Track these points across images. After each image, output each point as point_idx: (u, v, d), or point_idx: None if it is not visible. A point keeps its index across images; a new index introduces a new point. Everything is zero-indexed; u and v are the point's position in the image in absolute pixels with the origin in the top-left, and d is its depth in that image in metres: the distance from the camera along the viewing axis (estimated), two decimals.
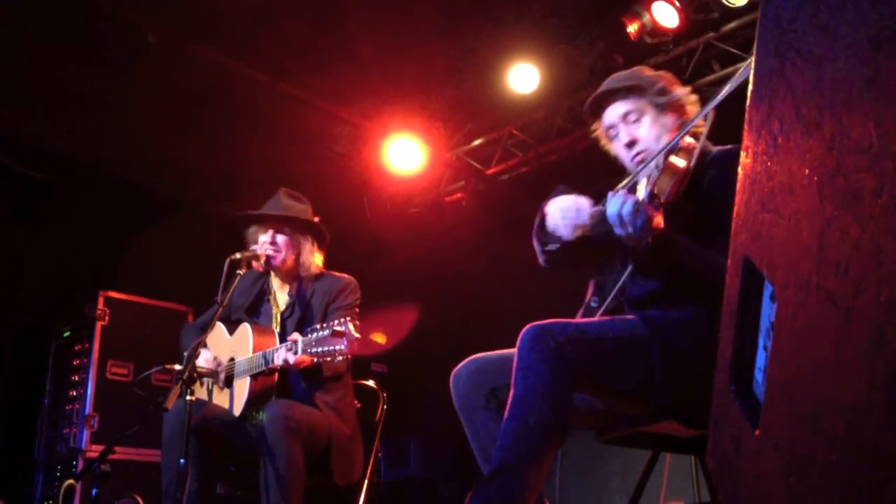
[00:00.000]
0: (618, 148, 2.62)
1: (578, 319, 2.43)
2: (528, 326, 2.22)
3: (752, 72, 1.35)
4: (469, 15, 5.14)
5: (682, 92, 2.63)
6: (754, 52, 1.36)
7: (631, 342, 2.26)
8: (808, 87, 1.12)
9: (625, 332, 2.28)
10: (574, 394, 2.19)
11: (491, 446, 2.32)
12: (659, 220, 2.17)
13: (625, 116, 2.58)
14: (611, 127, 2.62)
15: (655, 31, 4.89)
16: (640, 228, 2.11)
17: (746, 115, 1.36)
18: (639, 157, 2.54)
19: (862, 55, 0.97)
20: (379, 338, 5.43)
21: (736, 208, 1.47)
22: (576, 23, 5.16)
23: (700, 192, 2.39)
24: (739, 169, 1.42)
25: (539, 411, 2.09)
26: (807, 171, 1.12)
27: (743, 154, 1.39)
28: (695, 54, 5.13)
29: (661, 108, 2.56)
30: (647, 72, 2.68)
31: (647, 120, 2.56)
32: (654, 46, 5.08)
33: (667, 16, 4.83)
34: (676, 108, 2.58)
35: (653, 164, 2.40)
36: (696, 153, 2.35)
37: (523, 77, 5.42)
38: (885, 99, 0.92)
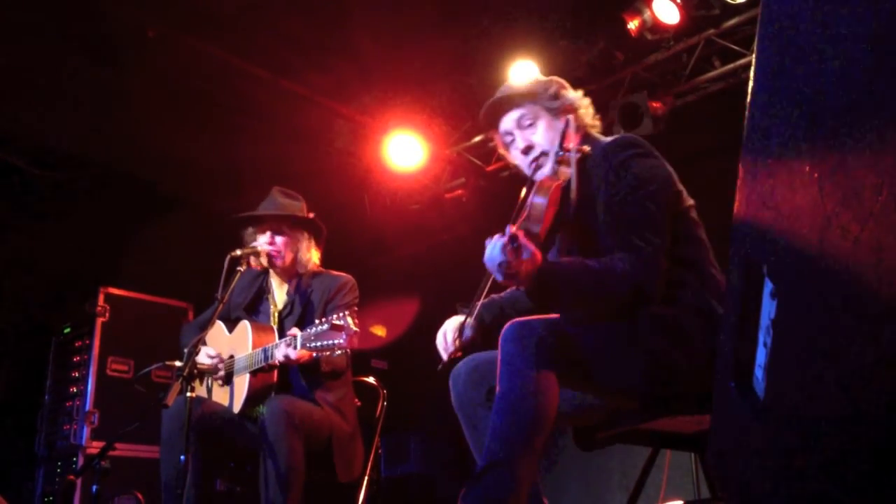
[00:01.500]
0: (515, 155, 2.64)
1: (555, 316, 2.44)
2: (509, 323, 2.24)
3: (753, 68, 1.35)
4: (469, 11, 5.14)
5: (574, 95, 2.65)
6: (755, 48, 1.36)
7: (609, 332, 2.27)
8: (810, 83, 1.12)
9: (599, 325, 2.29)
10: (559, 386, 2.20)
11: None
12: (524, 261, 2.15)
13: (519, 122, 2.59)
14: (507, 133, 2.64)
15: (656, 27, 4.88)
16: (504, 275, 2.16)
17: (747, 112, 1.36)
18: (535, 163, 2.57)
19: (863, 52, 0.96)
20: (379, 330, 5.42)
21: (736, 205, 1.47)
22: (576, 19, 5.15)
23: (591, 197, 2.41)
24: (740, 165, 1.42)
25: (525, 405, 2.11)
26: (807, 168, 1.11)
27: (743, 151, 1.39)
28: (695, 51, 5.13)
29: (555, 112, 2.58)
30: (538, 78, 2.70)
31: (541, 124, 2.58)
32: (655, 43, 5.08)
33: (667, 12, 4.82)
34: (569, 111, 2.59)
35: (548, 168, 2.48)
36: (570, 165, 2.42)
37: (523, 73, 5.41)
38: (885, 95, 0.92)
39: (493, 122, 2.67)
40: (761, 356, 1.38)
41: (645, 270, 2.24)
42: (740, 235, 1.45)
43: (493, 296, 2.78)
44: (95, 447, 5.15)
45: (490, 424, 2.15)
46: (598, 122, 2.69)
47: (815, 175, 1.09)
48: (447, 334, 2.64)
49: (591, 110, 2.66)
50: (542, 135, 2.56)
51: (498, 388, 2.17)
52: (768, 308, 1.32)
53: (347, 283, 3.76)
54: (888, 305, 0.92)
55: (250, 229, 3.82)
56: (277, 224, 3.75)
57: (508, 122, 2.62)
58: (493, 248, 2.18)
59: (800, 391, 1.19)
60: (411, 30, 5.20)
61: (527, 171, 2.61)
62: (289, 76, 5.50)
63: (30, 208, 5.85)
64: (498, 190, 6.27)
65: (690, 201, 2.49)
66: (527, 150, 2.57)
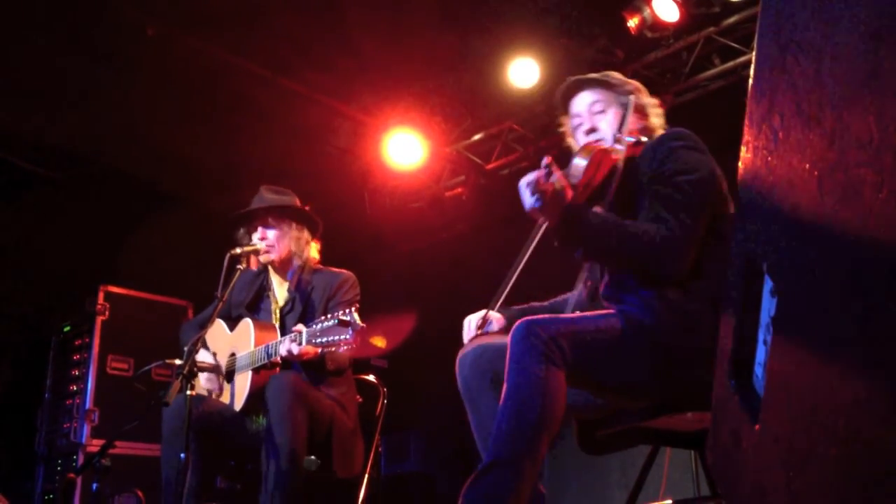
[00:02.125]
0: (580, 139, 2.71)
1: (568, 315, 2.45)
2: (519, 321, 2.25)
3: (752, 66, 1.35)
4: (469, 9, 5.13)
5: (649, 101, 2.74)
6: (755, 46, 1.36)
7: (614, 336, 2.29)
8: (809, 81, 1.11)
9: (609, 326, 2.31)
10: (567, 388, 2.21)
11: (492, 424, 2.36)
12: (558, 194, 2.27)
13: (591, 106, 2.68)
14: (576, 115, 2.73)
15: (656, 25, 4.88)
16: (532, 194, 2.26)
17: (747, 110, 1.36)
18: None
19: (863, 49, 0.96)
20: (379, 341, 5.46)
21: (736, 201, 1.47)
22: (576, 17, 5.15)
23: (635, 182, 2.48)
24: (739, 163, 1.42)
25: (532, 405, 2.11)
26: (807, 165, 1.11)
27: (743, 149, 1.39)
28: (695, 49, 5.13)
29: (626, 108, 2.65)
30: (618, 75, 2.78)
31: (611, 112, 2.65)
32: (655, 41, 5.07)
33: (667, 10, 4.82)
34: (640, 111, 2.68)
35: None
36: (623, 145, 2.51)
37: (523, 72, 5.41)
38: (885, 93, 0.92)
39: (565, 105, 2.77)
40: (761, 354, 1.38)
41: (667, 243, 2.27)
42: (741, 232, 1.45)
43: (534, 303, 2.83)
44: (95, 445, 5.15)
45: (495, 422, 2.15)
46: (661, 123, 2.75)
47: (815, 173, 1.09)
48: (471, 322, 2.68)
49: (660, 120, 2.74)
50: (609, 122, 2.64)
51: (505, 386, 2.17)
52: (768, 306, 1.32)
53: (349, 280, 3.76)
54: (889, 302, 0.93)
55: (241, 230, 3.82)
56: (264, 217, 3.75)
57: (581, 104, 2.72)
58: (529, 175, 2.29)
59: (800, 389, 1.19)
60: (411, 28, 5.19)
61: None
62: (288, 74, 5.49)
63: (29, 206, 5.84)
64: (498, 188, 6.27)
65: (728, 201, 2.52)
66: (590, 132, 2.66)
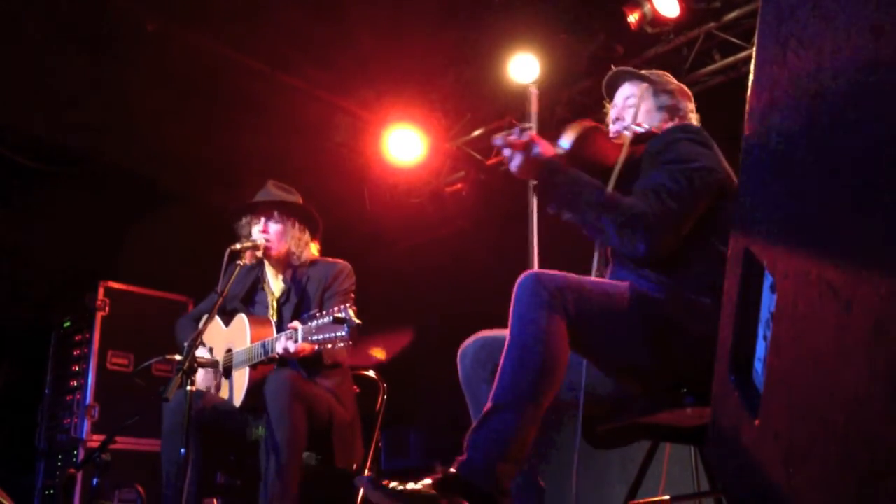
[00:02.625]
0: (610, 126, 2.82)
1: (582, 277, 2.46)
2: (525, 273, 2.26)
3: (753, 62, 1.35)
4: (469, 5, 5.12)
5: (687, 106, 2.81)
6: (755, 41, 1.35)
7: (621, 303, 2.30)
8: (810, 76, 1.11)
9: (617, 292, 2.31)
10: (566, 379, 2.21)
11: None
12: (529, 147, 2.36)
13: (626, 98, 2.78)
14: (613, 106, 2.84)
15: (656, 20, 4.87)
16: (508, 154, 2.37)
17: (747, 105, 1.36)
18: (612, 134, 2.73)
19: (863, 43, 0.96)
20: (378, 353, 5.51)
21: (735, 197, 1.47)
22: (576, 12, 5.14)
23: (638, 168, 2.51)
24: (740, 158, 1.41)
25: (534, 350, 2.13)
26: (807, 160, 1.11)
27: (743, 143, 1.39)
28: (695, 44, 5.12)
29: (659, 107, 2.73)
30: (670, 78, 2.88)
31: (642, 108, 2.72)
32: (655, 36, 5.06)
33: (667, 5, 4.81)
34: (672, 113, 2.75)
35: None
36: (630, 132, 2.57)
37: (523, 67, 5.40)
38: (886, 88, 0.92)
39: (610, 94, 2.87)
40: (761, 349, 1.38)
41: (645, 221, 2.28)
42: (740, 227, 1.45)
43: None
44: (96, 441, 5.16)
45: (499, 370, 2.17)
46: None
47: (816, 168, 1.09)
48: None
49: (695, 119, 2.81)
50: (632, 114, 2.72)
51: (509, 335, 2.19)
52: (768, 301, 1.32)
53: (344, 270, 3.76)
54: (889, 300, 0.93)
55: (243, 220, 3.81)
56: (269, 211, 3.75)
57: (620, 96, 2.83)
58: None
59: (799, 385, 1.19)
60: (411, 23, 5.18)
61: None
62: (288, 70, 5.48)
63: (29, 203, 5.84)
64: (498, 184, 6.26)
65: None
66: (616, 121, 2.78)
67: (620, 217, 2.29)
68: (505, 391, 2.13)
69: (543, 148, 2.38)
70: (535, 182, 2.48)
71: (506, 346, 2.19)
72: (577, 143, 2.48)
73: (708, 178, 2.40)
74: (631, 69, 2.83)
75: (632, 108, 2.71)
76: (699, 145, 2.46)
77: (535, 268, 2.62)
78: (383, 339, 5.78)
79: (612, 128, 2.75)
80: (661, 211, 2.29)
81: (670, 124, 2.69)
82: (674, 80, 2.87)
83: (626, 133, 2.56)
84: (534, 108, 2.80)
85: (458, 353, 2.56)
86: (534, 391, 2.12)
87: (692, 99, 2.85)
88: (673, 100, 2.76)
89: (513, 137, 2.36)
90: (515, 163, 2.39)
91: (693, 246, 2.37)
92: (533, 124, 2.61)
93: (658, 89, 2.76)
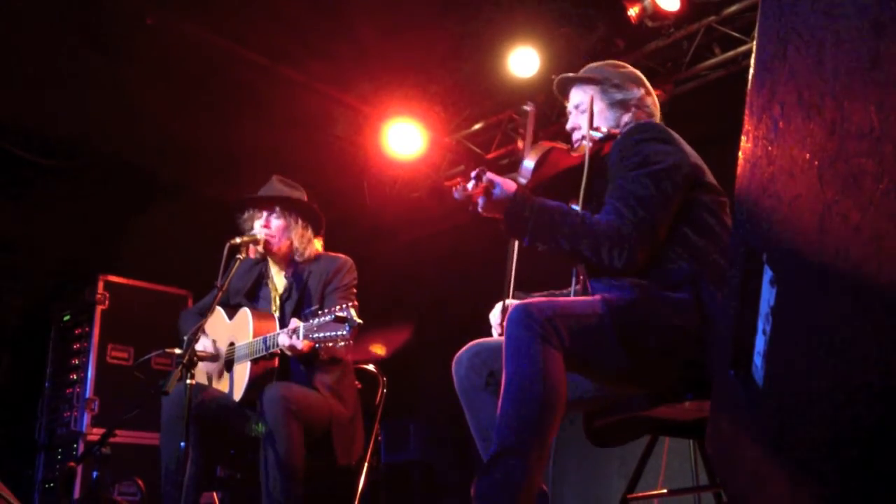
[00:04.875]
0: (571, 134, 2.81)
1: (563, 298, 2.46)
2: (513, 306, 2.25)
3: (753, 55, 1.35)
4: None
5: (638, 93, 2.73)
6: (756, 35, 1.35)
7: (597, 319, 2.28)
8: (810, 70, 1.11)
9: (593, 310, 2.30)
10: (565, 372, 2.21)
11: (490, 427, 2.36)
12: (489, 192, 2.38)
13: (577, 106, 2.75)
14: (569, 113, 2.81)
15: (656, 14, 4.86)
16: (460, 197, 2.40)
17: (747, 99, 1.35)
18: (576, 143, 2.74)
19: (864, 39, 0.96)
20: (379, 349, 5.53)
21: (736, 193, 1.47)
22: (576, 6, 5.13)
23: (602, 178, 2.51)
24: (740, 153, 1.41)
25: (534, 388, 2.11)
26: (808, 155, 1.11)
27: (744, 138, 1.39)
28: (696, 38, 5.11)
29: (611, 104, 2.70)
30: (618, 68, 2.80)
31: (595, 111, 2.68)
32: (655, 30, 5.05)
33: None
34: (625, 107, 2.70)
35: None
36: (590, 141, 2.56)
37: (524, 61, 5.39)
38: (886, 83, 0.92)
39: (563, 93, 2.85)
40: (760, 344, 1.38)
41: (619, 237, 2.29)
42: (740, 223, 1.45)
43: (554, 290, 2.83)
44: (96, 434, 5.16)
45: (499, 411, 2.14)
46: (653, 113, 2.76)
47: (815, 163, 1.09)
48: (495, 318, 2.70)
49: (650, 111, 2.75)
50: (590, 122, 2.67)
51: (505, 373, 2.16)
52: (768, 296, 1.32)
53: (346, 265, 3.76)
54: (888, 293, 0.93)
55: (245, 214, 3.81)
56: (271, 206, 3.75)
57: (570, 102, 2.80)
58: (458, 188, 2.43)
59: (798, 379, 1.19)
60: (411, 17, 5.17)
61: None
62: (288, 63, 5.48)
63: (28, 196, 5.84)
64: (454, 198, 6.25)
65: (713, 191, 2.52)
66: (573, 130, 2.76)
67: (595, 240, 2.30)
68: (509, 433, 2.09)
69: (505, 185, 2.39)
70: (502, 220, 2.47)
71: (503, 384, 2.15)
72: (539, 171, 2.51)
73: (676, 176, 2.39)
74: (572, 75, 2.79)
75: (584, 114, 2.68)
76: (660, 143, 2.45)
77: (511, 280, 2.65)
78: (383, 336, 5.79)
79: (574, 137, 2.75)
80: (634, 223, 2.30)
81: (626, 117, 2.68)
82: (620, 67, 2.80)
83: (586, 143, 2.56)
84: (530, 127, 2.85)
85: (453, 362, 2.55)
86: (537, 429, 2.09)
87: (642, 81, 2.78)
88: (622, 92, 2.70)
89: (471, 186, 2.38)
90: (481, 205, 2.42)
91: (667, 241, 2.37)
92: (529, 141, 2.64)
93: (605, 87, 2.71)
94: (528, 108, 2.94)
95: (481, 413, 2.44)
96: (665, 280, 2.32)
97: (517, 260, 2.65)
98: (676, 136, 2.52)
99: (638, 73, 2.81)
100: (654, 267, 2.34)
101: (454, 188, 2.43)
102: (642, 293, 2.29)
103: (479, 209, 2.42)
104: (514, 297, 2.67)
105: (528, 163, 2.52)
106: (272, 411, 3.24)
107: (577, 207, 2.48)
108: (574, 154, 2.60)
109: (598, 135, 2.59)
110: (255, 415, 3.44)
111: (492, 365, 2.43)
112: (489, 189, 2.38)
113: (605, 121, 2.67)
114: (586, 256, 2.34)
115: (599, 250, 2.30)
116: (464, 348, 2.55)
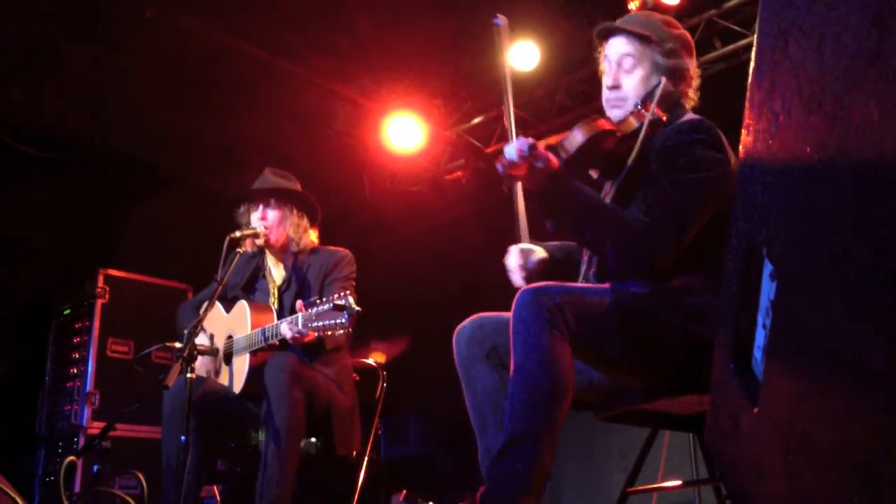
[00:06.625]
0: (604, 82, 2.60)
1: (572, 284, 2.43)
2: (522, 289, 2.22)
3: (754, 49, 1.35)
4: None
5: (690, 63, 2.59)
6: (756, 28, 1.35)
7: (608, 308, 2.26)
8: (811, 64, 1.11)
9: (602, 299, 2.28)
10: (573, 358, 2.20)
11: (486, 401, 2.38)
12: (531, 166, 2.27)
13: (621, 58, 2.54)
14: (607, 59, 2.60)
15: (657, 8, 4.85)
16: (503, 171, 2.30)
17: (748, 93, 1.35)
18: (613, 104, 2.56)
19: (865, 32, 0.96)
20: (378, 356, 5.57)
21: (736, 186, 1.47)
22: (577, 0, 5.13)
23: (645, 165, 2.40)
24: (740, 147, 1.41)
25: (544, 379, 2.10)
26: (808, 149, 1.11)
27: (744, 132, 1.38)
28: (696, 31, 5.10)
29: (659, 70, 2.52)
30: (672, 27, 2.60)
31: (639, 73, 2.52)
32: None
33: None
34: (675, 75, 2.54)
35: (620, 113, 2.48)
36: (644, 122, 2.38)
37: (524, 55, 5.39)
38: (888, 76, 0.92)
39: (602, 38, 2.62)
40: (760, 338, 1.38)
41: (650, 241, 2.25)
42: (741, 216, 1.45)
43: (568, 242, 2.74)
44: (96, 428, 5.18)
45: (509, 397, 2.14)
46: (695, 98, 2.63)
47: (816, 157, 1.09)
48: (514, 256, 2.56)
49: (696, 84, 2.61)
50: (635, 84, 2.52)
51: (513, 359, 2.16)
52: (768, 289, 1.32)
53: (345, 257, 3.77)
54: (888, 288, 0.92)
55: (241, 209, 3.82)
56: (266, 199, 3.75)
57: (613, 52, 2.57)
58: (511, 145, 2.29)
59: (798, 372, 1.19)
60: (411, 10, 5.17)
61: (605, 104, 2.60)
62: (288, 57, 5.47)
63: (28, 190, 5.83)
64: (497, 172, 6.26)
65: None
66: (613, 88, 2.55)
67: (621, 241, 2.26)
68: (519, 421, 2.09)
69: (549, 162, 2.28)
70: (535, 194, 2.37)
71: (512, 371, 2.15)
72: (584, 148, 2.35)
73: (718, 190, 2.31)
74: (628, 28, 2.54)
75: (629, 74, 2.51)
76: (712, 149, 2.35)
77: (525, 241, 2.57)
78: (382, 344, 5.81)
79: (609, 96, 2.56)
80: (665, 231, 2.25)
81: (674, 91, 2.52)
82: (674, 27, 2.60)
83: (635, 123, 2.40)
84: (505, 42, 2.71)
85: (454, 333, 2.53)
86: (548, 416, 2.09)
87: (692, 49, 2.63)
88: (674, 59, 2.53)
89: (517, 158, 2.26)
90: (510, 178, 2.33)
91: (693, 250, 2.31)
92: (503, 59, 2.56)
93: (660, 52, 2.52)
94: (499, 21, 2.71)
95: (478, 385, 2.42)
96: (679, 284, 2.30)
97: (524, 204, 2.58)
98: (724, 138, 2.41)
99: (689, 37, 2.63)
100: (672, 270, 2.30)
101: (497, 162, 2.31)
102: (654, 290, 2.28)
103: (503, 175, 2.32)
104: (528, 242, 2.58)
105: (578, 136, 2.36)
106: (276, 376, 3.23)
107: (608, 186, 2.43)
108: (604, 125, 2.40)
109: (651, 116, 2.39)
110: (256, 411, 3.45)
111: (494, 339, 2.41)
112: (532, 163, 2.28)
113: (648, 87, 2.50)
114: (607, 253, 2.29)
115: (623, 250, 2.26)
116: (467, 320, 2.52)
